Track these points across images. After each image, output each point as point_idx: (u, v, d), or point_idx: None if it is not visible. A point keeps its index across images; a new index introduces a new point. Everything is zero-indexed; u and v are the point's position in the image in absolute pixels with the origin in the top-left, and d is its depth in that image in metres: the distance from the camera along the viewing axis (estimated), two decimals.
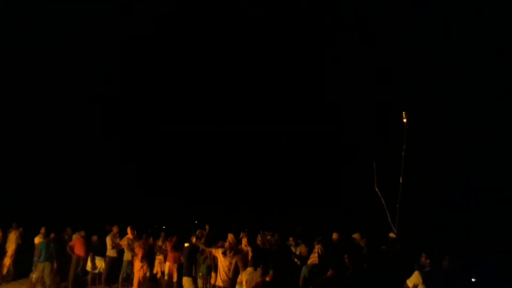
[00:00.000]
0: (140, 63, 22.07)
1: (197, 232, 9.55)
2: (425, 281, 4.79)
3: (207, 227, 9.25)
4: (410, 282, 4.94)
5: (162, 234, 10.99)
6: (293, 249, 8.47)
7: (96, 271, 10.58)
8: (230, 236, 7.73)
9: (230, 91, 22.59)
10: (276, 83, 21.26)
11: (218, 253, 7.57)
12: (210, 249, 8.29)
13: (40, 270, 10.00)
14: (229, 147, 23.01)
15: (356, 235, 7.58)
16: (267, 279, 3.83)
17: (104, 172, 21.36)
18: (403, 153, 8.78)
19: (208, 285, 9.68)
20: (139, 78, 22.65)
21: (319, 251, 5.54)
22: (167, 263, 9.83)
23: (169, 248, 9.84)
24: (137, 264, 9.64)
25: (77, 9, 19.14)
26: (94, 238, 10.82)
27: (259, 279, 4.16)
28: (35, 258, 10.51)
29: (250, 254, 6.47)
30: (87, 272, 10.65)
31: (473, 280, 8.79)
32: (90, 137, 21.16)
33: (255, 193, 21.72)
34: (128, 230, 10.24)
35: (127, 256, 10.15)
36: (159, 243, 10.66)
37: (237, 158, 22.88)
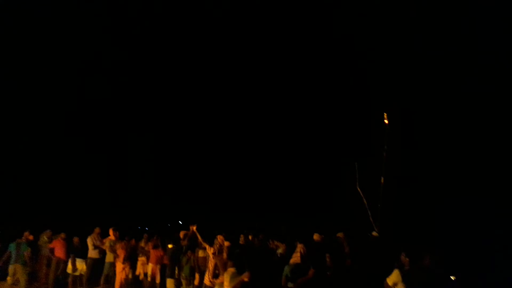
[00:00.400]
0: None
1: (181, 234, 9.50)
2: (404, 279, 4.86)
3: (191, 227, 9.22)
4: (390, 280, 5.00)
5: (145, 235, 10.91)
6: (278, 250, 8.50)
7: (77, 273, 10.42)
8: (220, 238, 7.73)
9: (214, 92, 22.54)
10: (259, 83, 21.30)
11: (210, 252, 7.53)
12: (206, 244, 8.24)
13: (12, 273, 9.78)
14: (216, 148, 22.96)
15: (340, 234, 7.66)
16: (245, 279, 3.83)
17: (87, 173, 21.10)
18: (384, 153, 8.91)
19: (191, 286, 9.64)
20: (125, 77, 22.41)
21: (301, 250, 5.58)
22: (150, 265, 9.76)
23: (151, 248, 9.79)
24: (119, 266, 9.55)
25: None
26: (75, 239, 10.66)
27: (238, 280, 4.19)
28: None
29: (225, 253, 6.50)
30: (68, 274, 10.50)
31: (452, 278, 8.95)
32: (71, 138, 20.86)
33: (240, 195, 21.72)
34: (110, 231, 10.13)
35: (109, 257, 10.03)
36: (142, 244, 10.58)
37: (224, 159, 22.84)
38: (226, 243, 7.17)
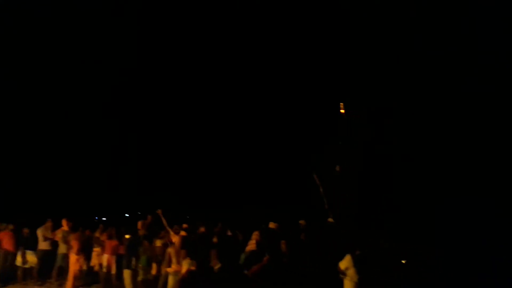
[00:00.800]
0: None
1: (138, 224, 9.33)
2: (355, 263, 5.03)
3: (149, 217, 9.08)
4: (342, 264, 5.16)
5: (101, 225, 10.64)
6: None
7: (27, 265, 10.02)
8: (185, 226, 7.69)
9: (176, 81, 22.14)
10: (223, 74, 21.13)
11: (174, 238, 7.42)
12: (171, 231, 8.13)
13: None
14: (178, 138, 22.62)
15: (302, 221, 7.79)
16: (192, 268, 3.83)
17: (41, 162, 20.25)
18: (340, 143, 9.11)
19: (148, 276, 9.52)
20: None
21: (256, 238, 5.64)
22: (105, 255, 9.54)
23: (106, 239, 9.57)
24: (73, 257, 9.25)
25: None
26: (25, 231, 10.21)
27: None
28: None
29: (178, 243, 6.47)
30: (17, 267, 10.06)
31: (403, 262, 9.31)
32: (22, 125, 19.91)
33: (201, 186, 21.59)
34: (63, 222, 9.78)
35: (61, 249, 9.68)
36: (97, 234, 10.31)
37: (185, 150, 22.57)
38: (182, 233, 7.13)
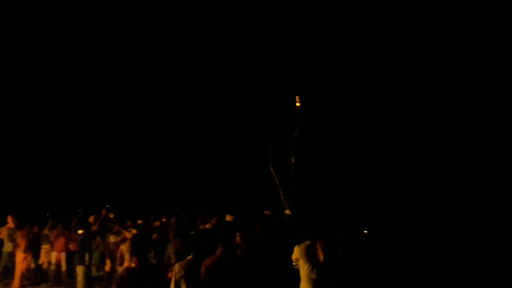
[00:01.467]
0: None
1: (91, 219, 9.04)
2: (305, 253, 5.13)
3: (104, 211, 8.82)
4: (293, 256, 5.24)
5: (49, 222, 10.21)
6: (192, 232, 8.50)
7: None
8: (139, 222, 7.53)
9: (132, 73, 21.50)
10: (180, 67, 20.78)
11: (129, 235, 7.26)
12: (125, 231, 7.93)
13: None
14: (134, 131, 22.06)
15: (267, 212, 7.86)
16: (132, 265, 3.77)
17: None
18: (295, 135, 9.22)
19: (101, 273, 9.29)
20: None
21: (214, 222, 5.66)
22: (54, 253, 9.19)
23: (55, 236, 9.22)
24: (20, 255, 8.84)
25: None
26: None
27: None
28: None
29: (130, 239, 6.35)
30: None
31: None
32: None
33: (158, 178, 21.25)
34: (9, 219, 9.29)
35: (7, 247, 9.21)
36: (46, 231, 9.89)
37: (141, 143, 22.06)
38: (133, 231, 7.01)
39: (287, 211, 7.82)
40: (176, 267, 4.03)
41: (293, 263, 5.32)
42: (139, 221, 8.51)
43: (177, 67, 20.21)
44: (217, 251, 4.01)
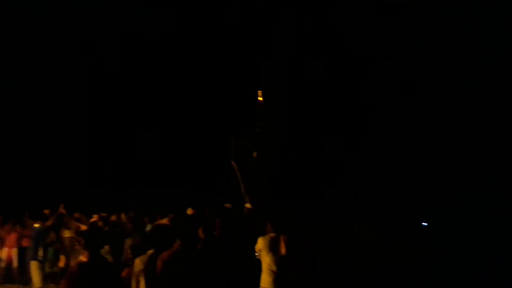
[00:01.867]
0: None
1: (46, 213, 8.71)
2: (268, 245, 5.18)
3: (61, 205, 8.52)
4: (256, 247, 5.28)
5: (0, 217, 9.72)
6: (148, 227, 8.36)
7: None
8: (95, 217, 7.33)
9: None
10: (139, 59, 20.22)
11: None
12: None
13: None
14: (92, 123, 21.29)
15: (228, 205, 7.85)
16: (83, 260, 3.66)
17: None
18: (257, 130, 9.27)
19: (55, 269, 8.97)
20: None
21: (171, 217, 5.59)
22: (5, 249, 8.77)
23: (5, 231, 8.81)
24: None
25: None
26: None
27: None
28: None
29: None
30: None
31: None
32: None
33: (119, 172, 20.70)
34: None
35: None
36: None
37: (100, 135, 21.35)
38: (83, 227, 6.84)
39: (247, 205, 7.85)
40: (136, 261, 3.95)
41: (256, 253, 5.36)
42: (103, 214, 8.33)
43: (136, 59, 19.69)
44: (174, 245, 3.96)
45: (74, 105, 20.89)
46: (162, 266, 3.83)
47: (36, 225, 8.27)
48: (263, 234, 5.30)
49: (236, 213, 7.48)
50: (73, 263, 7.55)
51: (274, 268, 5.08)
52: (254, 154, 9.04)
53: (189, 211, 7.35)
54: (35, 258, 7.82)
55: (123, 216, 8.81)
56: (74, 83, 20.56)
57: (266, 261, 5.15)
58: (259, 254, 5.23)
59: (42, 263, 8.17)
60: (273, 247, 5.17)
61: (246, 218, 7.04)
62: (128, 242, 5.36)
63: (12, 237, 8.76)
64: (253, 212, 7.40)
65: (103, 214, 8.48)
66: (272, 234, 5.34)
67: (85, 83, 20.65)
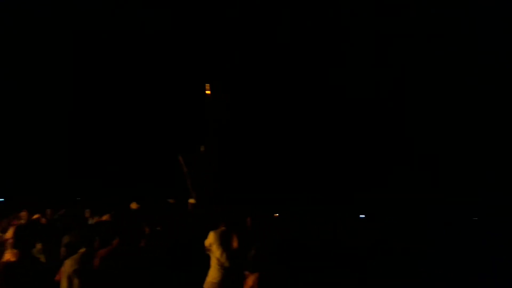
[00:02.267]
0: None
1: None
2: (217, 240, 5.05)
3: None
4: (206, 242, 5.14)
5: None
6: (90, 221, 7.94)
7: None
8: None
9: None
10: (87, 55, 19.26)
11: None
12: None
13: None
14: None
15: (171, 200, 7.62)
16: (11, 259, 3.37)
17: None
18: (205, 124, 9.11)
19: None
20: None
21: (107, 219, 5.29)
22: None
23: None
24: None
25: None
26: None
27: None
28: None
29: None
30: None
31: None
32: None
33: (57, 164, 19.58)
34: None
35: None
36: None
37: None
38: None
39: (192, 200, 7.68)
40: (67, 262, 3.65)
41: (206, 250, 5.21)
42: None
43: (80, 57, 18.80)
44: (113, 242, 3.71)
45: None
46: (100, 263, 3.58)
47: None
48: (207, 229, 5.17)
49: (179, 208, 7.28)
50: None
51: (225, 262, 4.97)
52: (202, 148, 8.85)
53: (133, 205, 7.02)
54: None
55: (62, 213, 8.29)
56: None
57: (216, 255, 5.03)
58: (209, 249, 5.09)
59: None
60: (224, 241, 5.06)
61: (190, 213, 6.86)
62: (65, 240, 5.01)
63: None
64: (197, 207, 7.24)
65: (48, 211, 7.96)
66: (223, 228, 5.22)
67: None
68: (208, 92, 9.59)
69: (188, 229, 6.29)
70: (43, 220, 7.23)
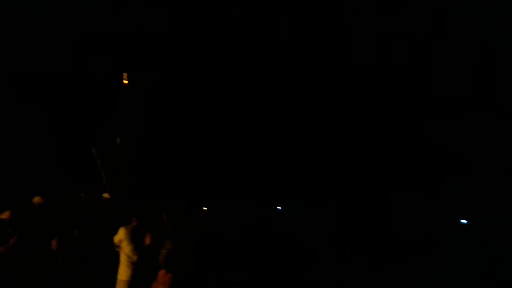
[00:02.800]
0: None
1: None
2: (128, 236, 4.91)
3: None
4: (116, 238, 4.98)
5: None
6: None
7: None
8: None
9: None
10: None
11: None
12: None
13: None
14: None
15: (84, 195, 7.23)
16: None
17: None
18: (122, 115, 8.74)
19: None
20: None
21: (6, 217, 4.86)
22: None
23: None
24: None
25: None
26: None
27: None
28: None
29: None
30: None
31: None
32: None
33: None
34: None
35: None
36: None
37: None
38: None
39: (106, 194, 7.35)
40: None
41: (115, 246, 5.00)
42: None
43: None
44: (11, 241, 3.44)
45: None
46: None
47: None
48: (119, 225, 4.99)
49: (92, 203, 6.92)
50: None
51: (135, 259, 4.83)
52: (118, 141, 8.46)
53: (36, 200, 6.48)
54: None
55: None
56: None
57: (127, 252, 4.87)
58: (119, 246, 4.90)
59: None
60: (135, 238, 4.91)
61: (103, 209, 6.56)
62: None
63: None
64: (111, 202, 6.94)
65: None
66: (135, 224, 5.07)
67: None
68: (125, 81, 9.20)
69: (101, 224, 6.02)
70: None
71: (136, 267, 4.83)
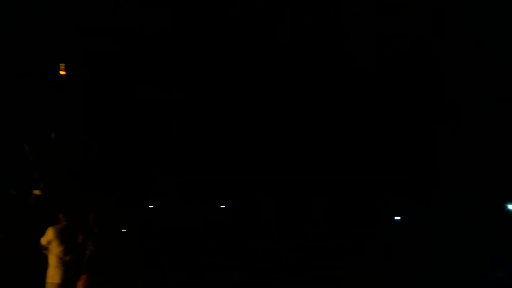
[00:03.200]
0: None
1: None
2: (58, 236, 4.79)
3: None
4: (44, 239, 4.83)
5: None
6: None
7: None
8: None
9: None
10: None
11: None
12: None
13: None
14: None
15: (13, 192, 6.84)
16: None
17: None
18: (58, 108, 8.35)
19: None
20: None
21: None
22: None
23: None
24: None
25: None
26: None
27: None
28: None
29: None
30: None
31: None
32: None
33: None
34: None
35: None
36: None
37: None
38: None
39: (36, 191, 7.02)
40: None
41: (43, 249, 4.83)
42: None
43: None
44: None
45: None
46: None
47: None
48: (47, 225, 4.84)
49: (20, 200, 6.61)
50: None
51: (67, 259, 4.70)
52: (53, 134, 8.06)
53: None
54: None
55: None
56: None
57: (57, 253, 4.73)
58: (47, 247, 4.74)
59: None
60: (66, 237, 4.78)
61: (31, 207, 6.29)
62: None
63: None
64: (41, 200, 6.66)
65: None
66: (64, 223, 4.92)
67: None
68: (62, 72, 8.79)
69: (30, 223, 5.78)
70: None
71: (68, 268, 4.71)
